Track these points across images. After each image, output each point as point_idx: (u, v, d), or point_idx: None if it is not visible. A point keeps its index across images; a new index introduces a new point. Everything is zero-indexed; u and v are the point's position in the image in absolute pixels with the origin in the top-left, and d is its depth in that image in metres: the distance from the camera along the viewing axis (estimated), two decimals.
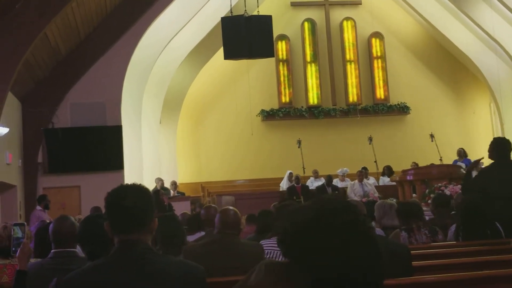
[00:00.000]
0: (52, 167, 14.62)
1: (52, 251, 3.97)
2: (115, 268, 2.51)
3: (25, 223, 4.16)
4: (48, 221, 5.16)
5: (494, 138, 7.32)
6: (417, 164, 16.47)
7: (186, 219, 7.56)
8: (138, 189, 2.63)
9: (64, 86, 14.75)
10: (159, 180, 15.98)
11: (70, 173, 14.70)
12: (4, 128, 12.12)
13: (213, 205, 6.30)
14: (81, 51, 14.72)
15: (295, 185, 15.86)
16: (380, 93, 21.82)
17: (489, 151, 7.01)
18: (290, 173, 17.09)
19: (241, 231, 4.85)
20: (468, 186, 7.05)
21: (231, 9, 15.04)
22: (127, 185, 2.66)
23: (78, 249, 4.06)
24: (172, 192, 16.19)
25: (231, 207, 4.99)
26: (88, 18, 13.96)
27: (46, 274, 3.72)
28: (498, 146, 6.94)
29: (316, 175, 17.55)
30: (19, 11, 11.29)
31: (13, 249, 4.01)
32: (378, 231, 6.00)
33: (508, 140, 7.04)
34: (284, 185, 17.05)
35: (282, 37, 21.47)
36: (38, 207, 12.74)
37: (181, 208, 13.11)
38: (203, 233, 6.67)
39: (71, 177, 14.71)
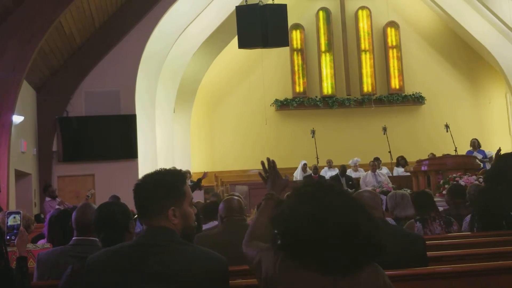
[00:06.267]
0: (67, 156, 14.70)
1: (73, 238, 4.00)
2: (133, 252, 2.54)
3: (21, 212, 4.17)
4: (62, 208, 5.18)
5: None
6: (434, 155, 16.36)
7: (200, 208, 7.56)
8: (151, 176, 2.67)
9: (78, 74, 14.80)
10: None
11: (84, 162, 14.77)
12: (19, 116, 12.19)
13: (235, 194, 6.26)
14: (96, 39, 14.75)
15: (313, 174, 15.90)
16: (395, 83, 21.69)
17: None
18: (305, 164, 17.10)
19: (248, 217, 4.87)
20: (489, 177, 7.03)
21: None
22: (152, 172, 2.72)
23: None
24: (189, 181, 16.22)
25: (234, 196, 5.05)
26: (103, 6, 13.97)
27: (67, 260, 3.75)
28: None
29: (330, 165, 17.51)
30: None
31: (7, 237, 4.03)
32: (390, 221, 5.97)
33: None
34: (298, 175, 17.03)
35: (297, 26, 21.38)
36: (47, 198, 12.81)
37: (194, 198, 13.13)
38: (216, 222, 6.67)
39: (85, 166, 14.78)
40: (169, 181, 2.66)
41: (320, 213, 2.26)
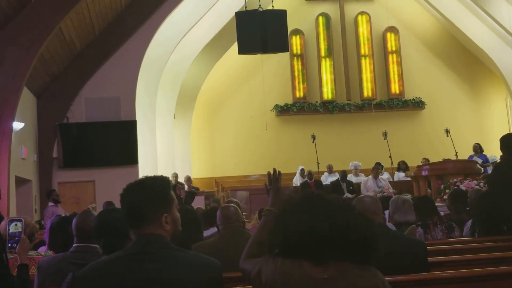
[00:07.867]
0: (67, 162, 14.69)
1: (74, 245, 3.99)
2: (129, 262, 2.52)
3: (22, 219, 4.16)
4: (63, 215, 5.18)
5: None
6: (428, 160, 16.37)
7: (200, 214, 7.53)
8: (141, 184, 2.63)
9: (78, 81, 14.81)
10: (174, 176, 16.03)
11: (84, 168, 14.77)
12: (19, 123, 12.18)
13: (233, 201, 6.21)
14: (96, 46, 14.76)
15: (308, 180, 15.80)
16: (395, 88, 21.71)
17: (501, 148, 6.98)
18: (302, 169, 17.03)
19: (245, 224, 4.87)
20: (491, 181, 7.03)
21: (245, 3, 15.03)
22: (138, 180, 2.68)
23: None
24: (186, 187, 16.21)
25: (230, 204, 5.06)
26: (103, 13, 13.99)
27: (67, 267, 3.74)
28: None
29: (331, 170, 17.47)
30: (35, 6, 11.33)
31: (9, 245, 4.02)
32: (390, 226, 5.95)
33: None
34: (297, 181, 16.97)
35: (297, 31, 21.40)
36: (50, 203, 12.81)
37: (195, 203, 13.15)
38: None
39: (85, 172, 14.77)
40: (160, 188, 2.63)
41: (307, 217, 2.34)
